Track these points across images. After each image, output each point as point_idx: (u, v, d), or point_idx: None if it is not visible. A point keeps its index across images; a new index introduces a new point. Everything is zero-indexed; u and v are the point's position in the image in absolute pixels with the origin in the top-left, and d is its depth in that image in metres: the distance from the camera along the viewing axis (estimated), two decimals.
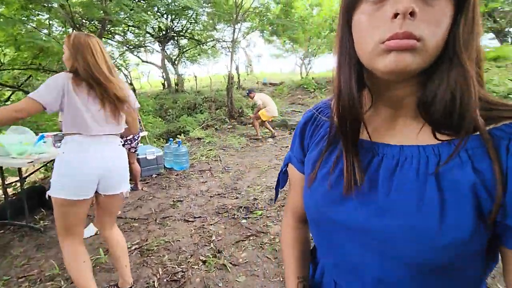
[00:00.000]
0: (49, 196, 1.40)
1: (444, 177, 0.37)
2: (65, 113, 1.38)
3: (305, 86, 12.91)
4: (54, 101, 1.32)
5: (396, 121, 0.44)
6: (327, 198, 0.47)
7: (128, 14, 7.13)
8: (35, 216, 2.93)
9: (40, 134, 2.69)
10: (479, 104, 0.36)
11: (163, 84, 13.26)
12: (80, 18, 6.56)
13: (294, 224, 0.65)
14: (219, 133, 7.18)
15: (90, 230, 2.56)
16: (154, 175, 4.25)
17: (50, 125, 4.71)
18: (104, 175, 1.47)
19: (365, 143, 0.45)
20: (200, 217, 2.89)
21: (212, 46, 13.61)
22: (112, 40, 10.13)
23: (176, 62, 12.99)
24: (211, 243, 2.39)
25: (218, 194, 3.47)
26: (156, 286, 1.90)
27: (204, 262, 2.14)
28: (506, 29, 13.87)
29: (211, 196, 3.42)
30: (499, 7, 12.60)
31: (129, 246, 2.32)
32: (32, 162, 2.26)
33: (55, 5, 4.87)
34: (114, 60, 10.59)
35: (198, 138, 6.61)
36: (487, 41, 14.64)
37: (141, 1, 7.83)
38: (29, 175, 3.52)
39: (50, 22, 6.50)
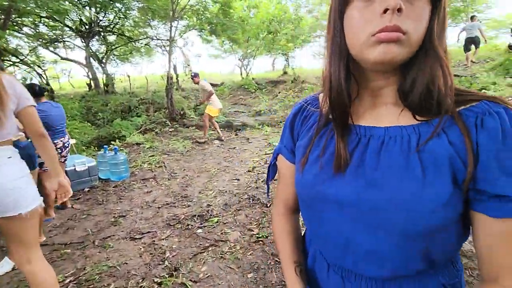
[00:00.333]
0: None
1: (424, 151, 0.42)
2: None
3: (246, 87, 13.01)
4: None
5: (379, 107, 0.49)
6: (318, 177, 0.50)
7: (40, 2, 6.06)
8: None
9: None
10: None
11: (89, 85, 11.78)
12: None
13: (285, 213, 0.68)
14: (161, 137, 6.67)
15: (5, 265, 2.04)
16: (86, 189, 3.67)
17: None
18: None
19: (354, 127, 0.50)
20: (148, 232, 2.58)
21: (145, 44, 12.63)
22: (19, 33, 8.53)
23: (103, 60, 11.67)
24: (165, 261, 2.14)
25: (167, 204, 3.18)
26: None
27: (159, 284, 1.89)
28: None
29: (159, 207, 3.10)
30: None
31: (61, 280, 1.92)
32: None
33: None
34: (24, 57, 8.95)
35: (137, 144, 6.02)
36: None
37: None
38: None
39: None
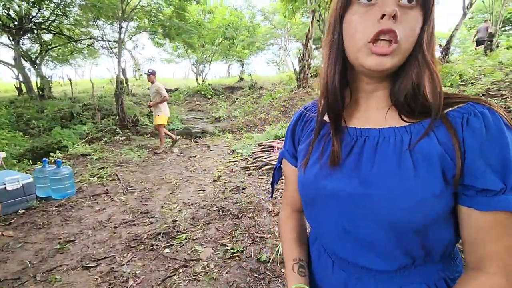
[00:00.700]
0: None
1: (416, 150, 0.45)
2: None
3: (203, 93, 12.73)
4: None
5: (373, 110, 0.53)
6: (318, 175, 0.54)
7: None
8: None
9: None
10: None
11: (19, 88, 10.29)
12: None
13: (291, 213, 0.73)
14: (111, 147, 6.06)
15: None
16: (21, 211, 3.09)
17: None
18: None
19: (350, 129, 0.54)
20: (105, 257, 2.24)
21: (89, 45, 11.54)
22: None
23: (37, 61, 10.31)
24: None
25: (125, 222, 2.82)
26: None
27: None
28: None
29: (115, 227, 2.74)
30: None
31: None
32: None
33: None
34: None
35: (83, 155, 5.36)
36: None
37: None
38: None
39: None
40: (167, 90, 15.68)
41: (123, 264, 2.14)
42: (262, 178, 3.80)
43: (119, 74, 7.62)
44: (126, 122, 7.60)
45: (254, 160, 4.38)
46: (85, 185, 3.91)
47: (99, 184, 3.96)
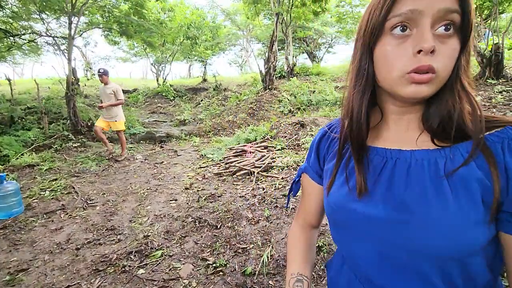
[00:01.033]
0: None
1: (453, 175, 0.43)
2: None
3: (164, 94, 12.18)
4: None
5: (404, 132, 0.51)
6: (349, 197, 0.52)
7: None
8: None
9: None
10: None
11: None
12: None
13: (302, 227, 0.73)
14: (63, 155, 5.46)
15: None
16: None
17: None
18: None
19: (380, 150, 0.52)
20: (68, 286, 1.97)
21: (30, 41, 10.30)
22: None
23: None
24: None
25: (89, 242, 2.53)
26: None
27: None
28: (314, 52, 18.54)
29: (77, 248, 2.44)
30: (310, 35, 16.64)
31: None
32: None
33: None
34: None
35: (29, 166, 4.74)
36: (302, 60, 19.19)
37: None
38: None
39: None
40: (124, 92, 14.71)
41: None
42: (237, 184, 3.71)
43: (70, 73, 6.90)
44: (79, 127, 6.92)
45: (227, 166, 4.26)
46: (35, 201, 3.44)
47: (52, 199, 3.51)
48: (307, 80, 10.16)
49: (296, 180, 0.73)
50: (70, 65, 7.01)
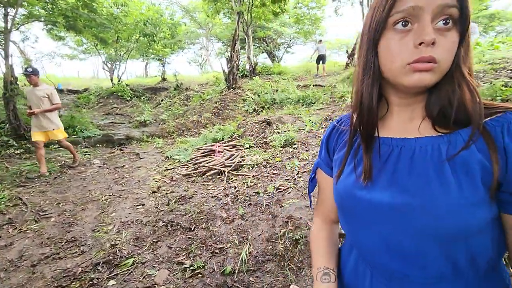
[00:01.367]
0: None
1: (455, 159, 0.46)
2: None
3: (120, 94, 11.43)
4: None
5: (408, 121, 0.54)
6: (356, 184, 0.55)
7: None
8: None
9: None
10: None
11: None
12: None
13: (322, 224, 0.74)
14: (4, 163, 4.83)
15: None
16: None
17: None
18: None
19: (386, 139, 0.55)
20: None
21: None
22: None
23: None
24: None
25: (46, 257, 2.28)
26: None
27: None
28: (273, 52, 18.94)
29: (33, 265, 2.18)
30: (270, 35, 16.95)
31: None
32: None
33: None
34: None
35: None
36: (262, 60, 19.48)
37: None
38: None
39: None
40: (73, 91, 13.53)
41: None
42: (208, 185, 3.63)
43: (8, 72, 6.13)
44: (22, 131, 6.18)
45: (195, 166, 4.15)
46: None
47: None
48: (269, 79, 10.33)
49: (312, 177, 0.75)
50: (8, 62, 6.22)
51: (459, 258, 0.47)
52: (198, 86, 11.72)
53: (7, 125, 6.21)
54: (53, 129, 4.41)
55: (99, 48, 12.61)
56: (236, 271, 2.00)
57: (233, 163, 3.98)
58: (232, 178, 3.74)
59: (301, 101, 6.86)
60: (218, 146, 4.64)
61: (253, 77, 10.03)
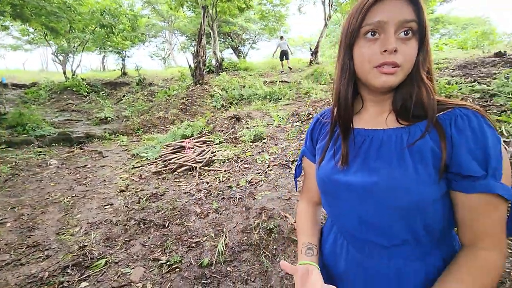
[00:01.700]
0: None
1: (413, 146, 0.56)
2: None
3: (75, 89, 10.60)
4: None
5: (379, 115, 0.64)
6: (334, 169, 0.65)
7: None
8: None
9: None
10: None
11: None
12: None
13: (307, 206, 0.84)
14: None
15: None
16: None
17: None
18: None
19: (361, 130, 0.65)
20: None
21: None
22: None
23: None
24: None
25: (7, 264, 2.13)
26: None
27: None
28: (239, 47, 18.90)
29: None
30: (235, 30, 16.87)
31: None
32: None
33: None
34: None
35: None
36: (228, 55, 19.37)
37: None
38: None
39: None
40: (19, 86, 12.27)
41: None
42: (179, 181, 3.60)
43: None
44: None
45: (165, 163, 4.07)
46: None
47: None
48: (236, 75, 10.33)
49: (299, 163, 0.85)
50: None
51: (417, 227, 0.56)
52: (162, 81, 11.32)
53: None
54: None
55: (49, 39, 11.55)
56: (214, 262, 2.06)
57: (204, 158, 3.99)
58: (204, 174, 3.75)
59: (268, 97, 7.00)
60: (188, 143, 4.59)
61: (220, 73, 9.96)
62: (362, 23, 0.55)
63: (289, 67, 10.71)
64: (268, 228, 2.34)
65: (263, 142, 4.43)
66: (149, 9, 17.18)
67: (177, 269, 2.03)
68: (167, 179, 3.71)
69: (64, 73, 11.99)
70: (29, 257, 2.22)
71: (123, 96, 9.97)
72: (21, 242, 2.43)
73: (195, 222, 2.61)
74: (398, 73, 0.54)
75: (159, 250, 2.26)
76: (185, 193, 3.23)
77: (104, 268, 2.07)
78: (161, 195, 3.22)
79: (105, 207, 3.05)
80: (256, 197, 2.89)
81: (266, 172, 3.48)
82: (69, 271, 2.04)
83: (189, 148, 4.41)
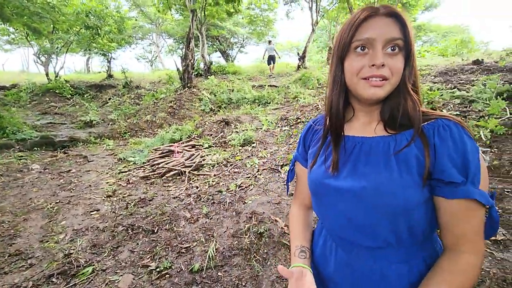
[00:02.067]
0: None
1: (399, 154, 0.60)
2: None
3: (58, 91, 10.29)
4: None
5: (369, 124, 0.68)
6: (325, 174, 0.68)
7: None
8: None
9: None
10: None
11: None
12: None
13: (299, 209, 0.87)
14: None
15: None
16: None
17: None
18: None
19: (351, 137, 0.69)
20: None
21: None
22: None
23: None
24: None
25: None
26: None
27: None
28: (227, 51, 18.95)
29: None
30: (224, 34, 16.91)
31: None
32: None
33: None
34: None
35: None
36: (216, 58, 19.38)
37: None
38: None
39: None
40: None
41: None
42: (168, 186, 3.56)
43: None
44: None
45: (153, 168, 4.02)
46: None
47: None
48: (224, 78, 10.33)
49: (291, 168, 0.88)
50: None
51: (401, 229, 0.60)
52: (149, 84, 11.17)
53: None
54: None
55: (31, 39, 11.19)
56: (204, 268, 2.05)
57: (194, 163, 3.96)
58: (193, 178, 3.73)
59: (257, 101, 7.04)
60: (177, 147, 4.55)
61: (208, 76, 9.94)
62: (353, 38, 0.60)
63: (271, 72, 10.96)
64: (258, 232, 2.35)
65: (253, 146, 4.45)
66: (137, 11, 16.98)
67: (167, 276, 2.01)
68: (156, 184, 3.66)
69: (47, 74, 11.63)
70: (12, 266, 2.14)
71: (109, 99, 9.77)
72: (3, 250, 2.34)
73: (185, 227, 2.59)
74: (386, 86, 0.58)
75: (148, 257, 2.23)
76: (174, 198, 3.20)
77: (91, 276, 2.03)
78: (149, 200, 3.18)
79: (91, 213, 2.98)
80: (246, 202, 2.90)
81: (255, 176, 3.50)
82: (54, 280, 1.98)
83: (178, 152, 4.37)
